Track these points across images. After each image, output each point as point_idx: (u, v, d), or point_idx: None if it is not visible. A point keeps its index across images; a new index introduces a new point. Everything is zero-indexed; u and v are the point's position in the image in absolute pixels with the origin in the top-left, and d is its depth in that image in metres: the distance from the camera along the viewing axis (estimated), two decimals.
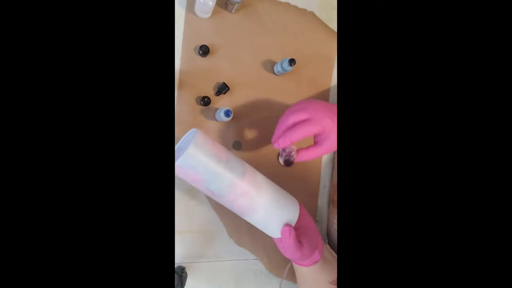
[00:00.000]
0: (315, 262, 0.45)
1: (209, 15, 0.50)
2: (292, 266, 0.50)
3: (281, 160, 0.46)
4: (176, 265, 0.52)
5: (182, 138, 0.42)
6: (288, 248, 0.41)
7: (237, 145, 0.53)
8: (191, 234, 0.52)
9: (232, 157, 0.40)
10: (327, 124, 0.42)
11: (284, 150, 0.45)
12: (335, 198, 0.58)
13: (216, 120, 0.52)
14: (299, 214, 0.43)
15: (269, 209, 0.41)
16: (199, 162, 0.37)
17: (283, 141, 0.42)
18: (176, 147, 0.41)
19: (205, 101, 0.49)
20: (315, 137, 0.45)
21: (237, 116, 0.53)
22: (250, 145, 0.54)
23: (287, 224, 0.41)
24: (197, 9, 0.49)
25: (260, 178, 0.42)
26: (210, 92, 0.51)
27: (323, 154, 0.47)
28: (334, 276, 0.46)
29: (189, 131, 0.41)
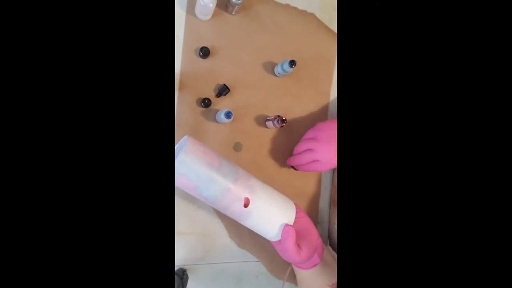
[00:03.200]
0: (315, 265, 0.44)
1: (209, 17, 0.50)
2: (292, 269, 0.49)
3: (276, 124, 0.51)
4: (177, 267, 0.51)
5: (176, 146, 0.42)
6: (287, 251, 0.41)
7: (237, 147, 0.53)
8: (192, 236, 0.52)
9: (224, 163, 0.40)
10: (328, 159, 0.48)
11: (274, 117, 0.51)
12: (335, 198, 0.57)
13: (217, 122, 0.52)
14: (297, 217, 0.43)
15: (264, 213, 0.40)
16: (191, 169, 0.37)
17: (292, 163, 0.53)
18: None
19: (205, 102, 0.49)
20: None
21: (238, 118, 0.52)
22: (251, 147, 0.53)
23: (287, 225, 0.41)
24: (198, 11, 0.49)
25: (254, 182, 0.41)
26: (210, 94, 0.51)
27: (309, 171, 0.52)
28: (333, 279, 0.45)
29: (182, 139, 0.41)
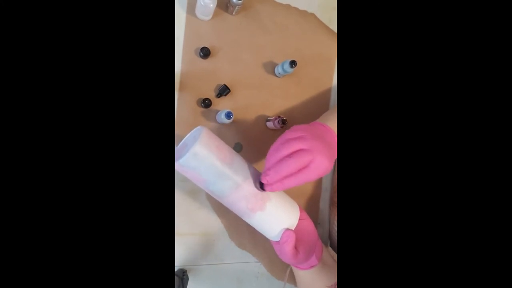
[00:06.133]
0: (312, 266, 0.44)
1: (209, 17, 0.50)
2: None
3: (277, 125, 0.49)
4: (177, 268, 0.51)
5: (188, 134, 0.41)
6: (284, 254, 0.41)
7: (238, 147, 0.53)
8: (192, 237, 0.52)
9: (237, 159, 0.40)
10: (322, 163, 0.36)
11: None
12: (335, 199, 0.57)
13: (217, 122, 0.51)
14: (299, 219, 0.43)
15: (270, 213, 0.40)
16: (201, 163, 0.36)
17: (272, 179, 0.36)
18: (181, 142, 0.41)
19: (206, 103, 0.49)
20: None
21: (238, 118, 0.52)
22: (251, 147, 0.53)
23: (288, 230, 0.41)
24: (198, 11, 0.49)
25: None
26: (211, 94, 0.51)
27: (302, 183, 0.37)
28: (333, 280, 0.45)
29: (196, 128, 0.40)
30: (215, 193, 0.39)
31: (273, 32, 0.54)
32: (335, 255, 0.53)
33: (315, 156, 0.35)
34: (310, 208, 0.58)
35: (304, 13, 0.56)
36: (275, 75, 0.54)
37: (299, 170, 0.36)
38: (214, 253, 0.53)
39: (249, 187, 0.39)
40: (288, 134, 0.38)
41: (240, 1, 0.47)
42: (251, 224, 0.42)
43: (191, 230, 0.52)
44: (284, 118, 0.49)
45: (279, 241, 0.41)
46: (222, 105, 0.52)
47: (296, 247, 0.41)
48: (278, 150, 0.37)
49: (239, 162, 0.40)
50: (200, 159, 0.36)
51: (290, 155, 0.36)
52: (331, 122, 0.43)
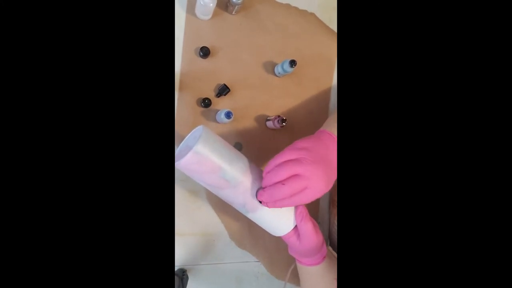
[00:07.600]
0: (324, 258, 0.45)
1: (209, 16, 0.50)
2: (294, 269, 0.49)
3: (277, 124, 0.50)
4: (177, 268, 0.51)
5: (186, 138, 0.42)
6: (306, 232, 0.40)
7: (237, 147, 0.53)
8: (192, 237, 0.52)
9: (236, 150, 0.41)
10: (318, 187, 0.36)
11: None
12: (335, 198, 0.57)
13: (217, 122, 0.51)
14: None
15: None
16: (214, 149, 0.37)
17: (267, 199, 0.37)
18: (181, 144, 0.42)
19: (205, 102, 0.49)
20: None
21: (238, 118, 0.52)
22: (251, 147, 0.53)
23: (299, 206, 0.40)
24: (198, 11, 0.49)
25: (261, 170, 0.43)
26: (210, 94, 0.51)
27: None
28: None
29: (195, 129, 0.41)
30: (230, 181, 0.38)
31: (273, 32, 0.54)
32: (335, 254, 0.53)
33: (309, 183, 0.35)
34: (310, 207, 0.58)
35: (304, 13, 0.56)
36: (275, 75, 0.54)
37: (292, 195, 0.36)
38: (214, 253, 0.53)
39: (254, 171, 0.40)
40: (287, 154, 0.37)
41: (240, 1, 0.47)
42: (261, 217, 0.41)
43: (191, 230, 0.52)
44: (284, 118, 0.49)
45: (294, 227, 0.41)
46: (222, 105, 0.52)
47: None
48: (274, 172, 0.36)
49: (239, 152, 0.41)
50: (213, 141, 0.37)
51: (284, 182, 0.35)
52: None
